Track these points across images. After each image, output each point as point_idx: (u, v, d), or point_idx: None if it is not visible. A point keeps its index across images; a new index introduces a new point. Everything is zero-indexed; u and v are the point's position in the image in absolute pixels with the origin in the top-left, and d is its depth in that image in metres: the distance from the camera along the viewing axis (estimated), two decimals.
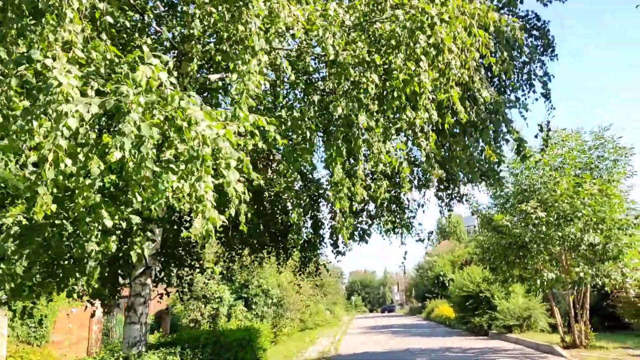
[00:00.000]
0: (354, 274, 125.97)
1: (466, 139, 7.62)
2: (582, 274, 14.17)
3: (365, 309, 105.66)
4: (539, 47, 9.07)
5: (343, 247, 9.33)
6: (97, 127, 4.62)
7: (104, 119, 5.18)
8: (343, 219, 6.42)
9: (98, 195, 4.49)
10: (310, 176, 8.89)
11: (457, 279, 27.00)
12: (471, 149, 7.96)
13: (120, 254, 7.06)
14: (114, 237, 5.07)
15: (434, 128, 7.05)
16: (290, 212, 6.27)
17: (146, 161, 4.18)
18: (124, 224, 5.44)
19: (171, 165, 4.42)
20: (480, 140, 7.59)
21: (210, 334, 8.42)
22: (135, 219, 5.07)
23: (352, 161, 6.61)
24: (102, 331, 25.61)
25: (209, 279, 11.67)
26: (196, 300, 23.28)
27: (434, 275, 32.92)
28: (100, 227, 4.75)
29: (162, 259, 9.62)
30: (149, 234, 7.34)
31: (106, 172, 4.44)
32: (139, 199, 4.53)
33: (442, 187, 9.74)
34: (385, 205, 9.66)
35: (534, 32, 9.10)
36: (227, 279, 24.86)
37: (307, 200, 9.34)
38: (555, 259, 15.48)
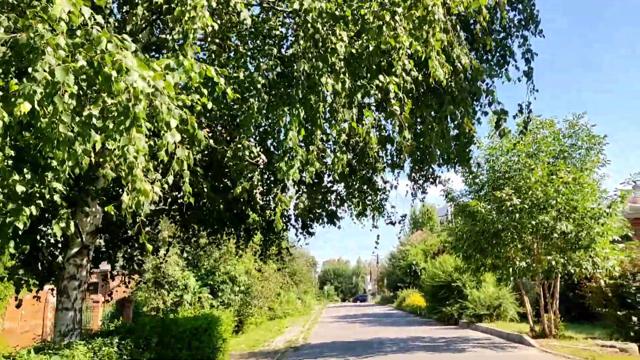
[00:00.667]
0: (328, 262, 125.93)
1: (443, 109, 7.05)
2: (553, 263, 13.90)
3: (337, 299, 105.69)
4: (521, 21, 8.52)
5: (304, 236, 8.72)
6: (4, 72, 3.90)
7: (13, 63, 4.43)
8: (283, 197, 5.79)
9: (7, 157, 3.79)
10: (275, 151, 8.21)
11: (429, 269, 26.77)
12: (447, 121, 7.41)
13: (50, 231, 6.33)
14: (32, 209, 4.33)
15: (410, 94, 6.47)
16: (238, 185, 5.60)
17: (61, 115, 3.49)
18: (55, 196, 4.73)
19: (93, 122, 3.73)
20: (458, 112, 7.00)
21: (159, 322, 7.73)
22: (57, 186, 4.32)
23: (310, 128, 5.97)
24: None
25: (163, 261, 10.89)
26: (159, 287, 22.50)
27: (406, 264, 32.68)
28: (11, 196, 4.03)
29: (107, 238, 8.84)
30: (87, 208, 6.64)
31: (15, 127, 3.74)
32: (59, 164, 3.83)
33: (416, 167, 9.21)
34: (356, 186, 9.11)
35: (517, 5, 8.50)
36: (193, 264, 24.14)
37: (270, 176, 8.71)
38: (527, 247, 15.19)
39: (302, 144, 6.53)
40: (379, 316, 35.00)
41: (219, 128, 7.75)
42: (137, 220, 4.71)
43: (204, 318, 9.90)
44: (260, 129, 9.50)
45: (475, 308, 21.31)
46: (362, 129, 6.17)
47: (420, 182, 9.50)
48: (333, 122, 5.79)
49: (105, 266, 31.23)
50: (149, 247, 4.66)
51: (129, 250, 9.69)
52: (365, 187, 8.74)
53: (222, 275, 22.87)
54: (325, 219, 8.23)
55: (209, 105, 4.80)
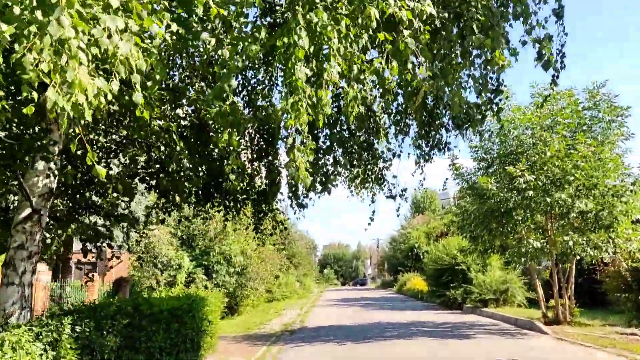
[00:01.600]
0: (328, 247, 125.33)
1: (468, 42, 5.87)
2: (570, 244, 12.83)
3: (337, 282, 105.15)
4: None
5: (303, 198, 7.62)
6: None
7: None
8: (301, 146, 4.67)
9: None
10: (264, 110, 7.07)
11: (432, 251, 25.78)
12: (472, 57, 6.22)
13: None
14: None
15: (428, 22, 5.30)
16: (220, 138, 4.51)
17: None
18: None
19: None
20: (485, 44, 5.78)
21: (129, 302, 6.69)
22: None
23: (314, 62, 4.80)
24: (52, 297, 23.81)
25: (143, 235, 9.85)
26: (152, 266, 21.55)
27: (407, 247, 31.67)
28: None
29: (66, 201, 7.73)
30: (39, 165, 5.56)
31: None
32: None
33: (422, 131, 8.08)
34: (355, 152, 8.01)
35: None
36: (187, 244, 23.17)
37: (258, 139, 7.62)
38: (540, 227, 14.13)
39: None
40: (379, 300, 34.12)
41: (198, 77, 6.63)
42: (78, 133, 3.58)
43: (187, 298, 8.85)
44: (249, 86, 8.40)
45: (481, 292, 20.32)
46: (370, 67, 5.05)
47: (427, 149, 8.36)
48: (338, 51, 4.62)
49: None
50: (102, 172, 3.57)
51: (92, 217, 8.55)
52: (365, 154, 7.65)
53: (217, 255, 21.89)
54: (319, 186, 7.13)
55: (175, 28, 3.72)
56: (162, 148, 6.17)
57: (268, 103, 7.52)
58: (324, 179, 7.04)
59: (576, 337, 12.44)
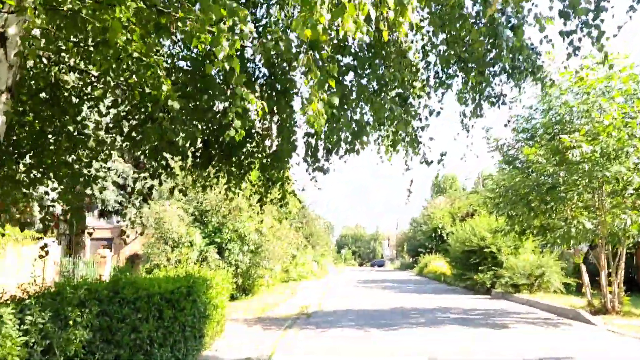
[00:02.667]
0: (346, 228, 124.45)
1: None
2: (628, 223, 11.24)
3: (354, 263, 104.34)
4: None
5: (324, 160, 6.14)
6: None
7: None
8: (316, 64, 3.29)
9: None
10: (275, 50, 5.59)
11: (458, 233, 24.25)
12: None
13: None
14: None
15: None
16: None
17: None
18: None
19: None
20: None
21: (108, 284, 5.35)
22: None
23: None
24: (63, 273, 22.99)
25: (127, 203, 8.59)
26: (163, 243, 20.43)
27: (431, 228, 30.09)
28: None
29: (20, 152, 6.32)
30: None
31: None
32: None
33: (473, 78, 6.52)
34: (386, 108, 6.52)
35: None
36: (200, 221, 22.00)
37: (267, 88, 6.17)
38: (590, 205, 12.55)
39: None
40: (399, 282, 32.80)
41: None
42: None
43: (185, 279, 7.54)
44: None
45: (513, 277, 18.78)
46: None
47: (475, 102, 6.78)
48: None
49: (116, 222, 29.17)
50: None
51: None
52: (397, 110, 6.16)
53: (230, 232, 20.66)
54: (346, 145, 5.68)
55: None
56: (147, 90, 4.79)
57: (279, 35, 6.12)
58: (349, 136, 5.58)
59: (629, 328, 10.95)
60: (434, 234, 29.01)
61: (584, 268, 14.07)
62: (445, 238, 29.00)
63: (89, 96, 5.48)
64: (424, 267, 38.89)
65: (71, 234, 30.17)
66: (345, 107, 5.70)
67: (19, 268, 19.51)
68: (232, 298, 20.78)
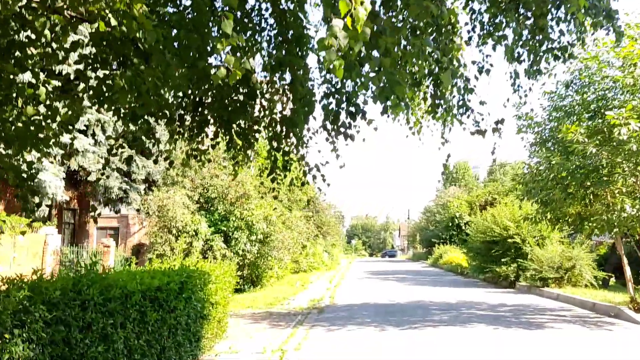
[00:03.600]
0: (355, 218, 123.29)
1: None
2: None
3: (365, 253, 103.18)
4: None
5: (348, 123, 4.82)
6: None
7: None
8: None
9: None
10: None
11: (478, 222, 22.89)
12: None
13: None
14: None
15: None
16: None
17: None
18: None
19: None
20: None
21: (65, 282, 4.14)
22: None
23: None
24: (64, 263, 22.02)
25: (101, 175, 7.38)
26: (166, 232, 19.33)
27: (447, 217, 28.67)
28: None
29: None
30: None
31: None
32: None
33: (525, 31, 5.24)
34: (424, 69, 5.27)
35: None
36: (205, 208, 20.86)
37: (277, 37, 4.93)
38: (635, 190, 11.19)
39: None
40: (413, 273, 31.53)
41: None
42: None
43: (177, 273, 6.34)
44: None
45: (541, 269, 17.44)
46: None
47: (536, 55, 5.46)
48: None
49: (125, 211, 27.99)
50: None
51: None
52: (442, 58, 4.88)
53: (237, 220, 19.49)
54: (378, 101, 4.38)
55: None
56: (115, 23, 3.55)
57: None
58: (383, 94, 4.26)
59: None
60: (450, 224, 27.63)
61: (625, 260, 12.72)
62: (463, 228, 27.66)
63: (30, 27, 4.14)
64: (439, 258, 37.56)
65: (29, 212, 29.23)
66: (377, 48, 4.32)
67: (17, 257, 18.58)
68: (239, 291, 19.67)
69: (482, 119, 5.94)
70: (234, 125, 5.43)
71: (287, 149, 5.47)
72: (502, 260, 19.89)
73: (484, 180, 42.60)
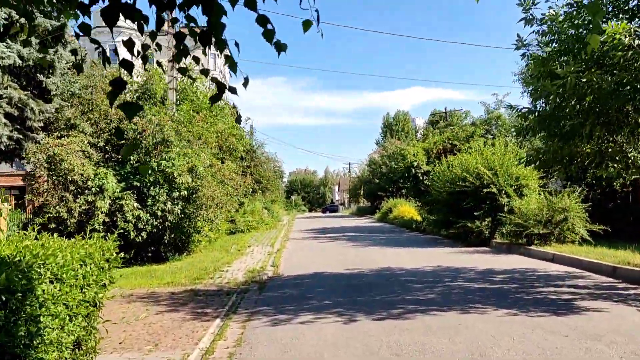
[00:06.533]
0: (294, 173, 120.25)
1: None
2: None
3: (305, 209, 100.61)
4: None
5: None
6: None
7: None
8: None
9: None
10: None
11: (441, 171, 19.84)
12: None
13: None
14: None
15: None
16: None
17: None
18: None
19: None
20: None
21: None
22: None
23: None
24: None
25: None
26: (62, 189, 14.96)
27: (403, 167, 25.64)
28: None
29: None
30: None
31: None
32: None
33: None
34: None
35: None
36: (113, 159, 16.51)
37: None
38: None
39: None
40: (364, 230, 28.50)
41: None
42: None
43: None
44: None
45: (527, 224, 14.53)
46: None
47: None
48: None
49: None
50: None
51: None
52: None
53: (155, 173, 15.40)
54: None
55: None
56: None
57: None
58: None
59: None
60: (407, 174, 24.58)
61: None
62: (420, 178, 24.69)
63: None
64: (388, 213, 34.79)
65: None
66: None
67: None
68: (160, 260, 15.87)
69: None
70: None
71: None
72: (475, 214, 16.96)
73: (424, 130, 39.76)
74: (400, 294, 9.38)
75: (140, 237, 14.71)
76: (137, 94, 18.68)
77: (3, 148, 21.43)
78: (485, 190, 16.73)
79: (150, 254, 15.80)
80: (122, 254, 5.41)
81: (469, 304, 8.17)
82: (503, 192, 16.63)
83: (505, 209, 16.20)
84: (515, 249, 14.78)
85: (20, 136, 21.52)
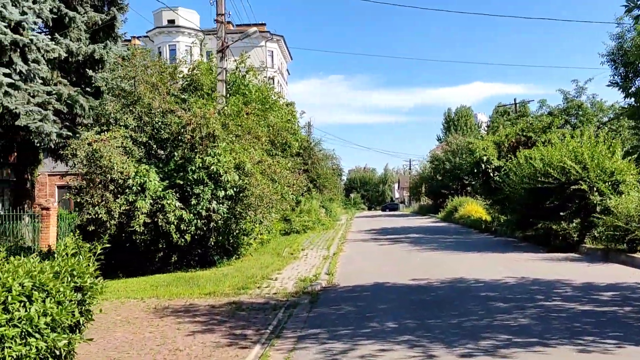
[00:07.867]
0: (353, 171, 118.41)
1: None
2: None
3: (364, 207, 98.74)
4: None
5: None
6: None
7: None
8: None
9: None
10: None
11: (519, 165, 17.51)
12: None
13: None
14: None
15: None
16: None
17: None
18: None
19: None
20: None
21: None
22: None
23: None
24: None
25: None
26: (101, 188, 13.88)
27: (471, 161, 23.46)
28: None
29: None
30: None
31: None
32: None
33: None
34: None
35: None
36: (155, 155, 15.37)
37: None
38: None
39: None
40: (429, 231, 26.34)
41: None
42: None
43: None
44: None
45: (631, 227, 12.13)
46: None
47: None
48: None
49: (62, 167, 21.47)
50: None
51: None
52: None
53: (199, 170, 14.09)
54: None
55: None
56: None
57: None
58: None
59: None
60: (475, 170, 22.42)
61: None
62: (491, 175, 22.38)
63: None
64: (454, 212, 32.42)
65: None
66: None
67: None
68: (208, 264, 14.58)
69: None
70: None
71: None
72: (561, 214, 14.62)
73: (492, 122, 36.99)
74: (483, 316, 7.49)
75: (183, 240, 13.43)
76: (182, 85, 17.52)
77: (53, 146, 20.92)
78: (572, 187, 14.36)
79: (197, 258, 14.54)
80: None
81: (580, 337, 6.20)
82: (595, 189, 14.21)
83: (598, 208, 13.81)
84: (614, 257, 12.42)
85: (70, 133, 20.80)
